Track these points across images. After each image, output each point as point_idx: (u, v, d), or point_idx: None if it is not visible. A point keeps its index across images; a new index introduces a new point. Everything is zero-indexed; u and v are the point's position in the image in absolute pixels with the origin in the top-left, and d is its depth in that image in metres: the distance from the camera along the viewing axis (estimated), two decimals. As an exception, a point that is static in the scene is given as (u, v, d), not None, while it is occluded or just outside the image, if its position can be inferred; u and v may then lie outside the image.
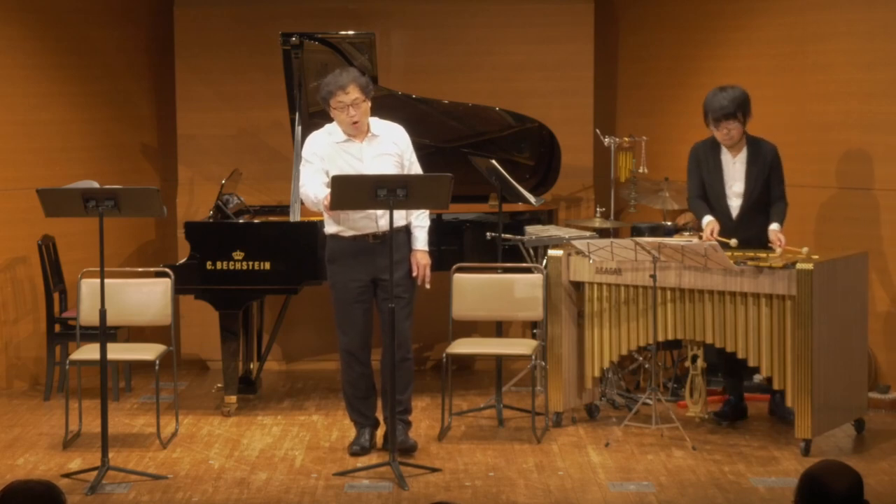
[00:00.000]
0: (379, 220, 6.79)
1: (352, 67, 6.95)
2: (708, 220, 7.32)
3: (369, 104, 6.84)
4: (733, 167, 7.34)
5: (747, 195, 7.30)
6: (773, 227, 7.25)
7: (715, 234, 7.19)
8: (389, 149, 6.89)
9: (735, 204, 7.34)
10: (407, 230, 6.92)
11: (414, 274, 6.90)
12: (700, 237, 7.24)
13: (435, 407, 7.78)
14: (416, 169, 6.96)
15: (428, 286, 7.00)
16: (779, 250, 7.08)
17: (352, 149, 6.86)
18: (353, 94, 6.73)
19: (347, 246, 6.86)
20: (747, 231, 7.26)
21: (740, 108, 7.20)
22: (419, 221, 6.93)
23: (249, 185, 8.88)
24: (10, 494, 3.54)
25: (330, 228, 6.92)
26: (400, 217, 6.77)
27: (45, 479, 3.67)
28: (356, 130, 6.82)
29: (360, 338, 6.92)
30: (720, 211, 7.36)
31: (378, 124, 6.92)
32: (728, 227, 7.29)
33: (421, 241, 6.93)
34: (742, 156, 7.32)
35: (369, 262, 6.80)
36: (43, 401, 8.23)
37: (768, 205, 7.33)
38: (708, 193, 7.41)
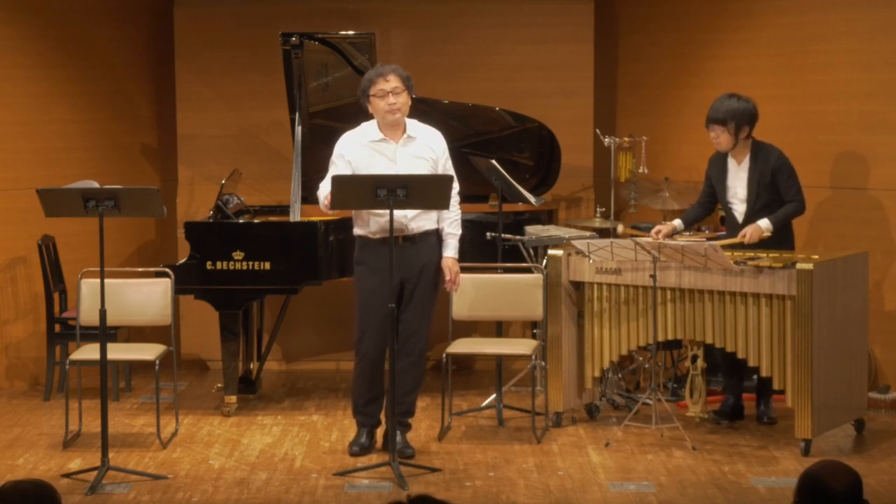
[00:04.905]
0: (409, 223, 6.79)
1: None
2: (670, 223, 7.55)
3: (409, 101, 6.80)
4: (737, 173, 7.39)
5: (750, 200, 7.34)
6: (761, 222, 7.26)
7: (661, 235, 7.33)
8: (425, 153, 6.84)
9: (740, 209, 7.40)
10: (437, 234, 6.92)
11: (447, 278, 6.90)
12: (704, 237, 7.27)
13: (435, 407, 7.78)
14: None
15: (456, 292, 7.06)
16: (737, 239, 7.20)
17: (386, 149, 6.81)
18: (394, 82, 6.71)
19: (376, 248, 6.82)
20: None
21: (733, 119, 7.25)
22: (451, 229, 6.91)
23: (249, 185, 8.87)
24: (1, 496, 3.52)
25: (358, 231, 6.90)
26: (430, 220, 6.83)
27: (37, 479, 3.65)
28: (393, 121, 6.77)
29: (379, 340, 6.85)
30: (728, 216, 7.47)
31: (415, 127, 6.88)
32: (734, 231, 7.37)
33: (452, 247, 6.92)
34: (745, 162, 7.36)
35: (397, 263, 6.67)
36: (43, 401, 8.22)
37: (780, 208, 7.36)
38: (719, 199, 7.52)
